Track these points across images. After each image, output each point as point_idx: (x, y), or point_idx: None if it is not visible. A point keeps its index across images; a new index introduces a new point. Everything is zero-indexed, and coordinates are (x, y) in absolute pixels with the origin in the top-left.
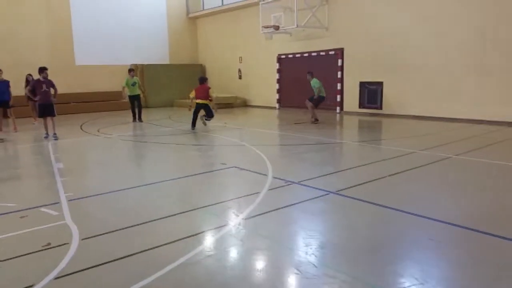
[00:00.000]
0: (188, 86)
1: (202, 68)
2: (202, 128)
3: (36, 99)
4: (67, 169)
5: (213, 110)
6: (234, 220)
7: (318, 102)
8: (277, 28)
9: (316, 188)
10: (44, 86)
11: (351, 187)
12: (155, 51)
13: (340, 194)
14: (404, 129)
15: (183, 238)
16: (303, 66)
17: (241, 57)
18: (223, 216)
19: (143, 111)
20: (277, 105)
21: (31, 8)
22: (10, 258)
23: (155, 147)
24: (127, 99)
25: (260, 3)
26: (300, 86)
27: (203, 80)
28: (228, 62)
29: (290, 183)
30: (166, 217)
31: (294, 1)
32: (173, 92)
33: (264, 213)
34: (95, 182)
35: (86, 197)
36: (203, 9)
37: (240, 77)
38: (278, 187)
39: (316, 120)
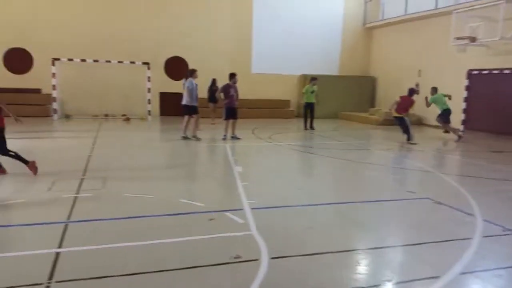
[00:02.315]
0: (354, 99)
1: (372, 81)
2: (376, 146)
3: (224, 102)
4: (246, 174)
5: (409, 130)
6: (449, 273)
7: (444, 116)
8: (473, 40)
9: None
10: (231, 91)
11: None
12: (326, 62)
13: None
14: None
15: (387, 281)
16: (502, 85)
17: (420, 70)
18: (432, 263)
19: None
20: (461, 127)
21: (220, 22)
22: (203, 266)
23: (327, 161)
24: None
25: (454, 12)
26: (495, 108)
27: (412, 92)
28: (403, 76)
29: (511, 232)
30: (356, 250)
31: (497, 9)
32: (339, 104)
33: (489, 270)
34: (272, 191)
35: (267, 207)
36: (382, 19)
37: (417, 93)
38: (495, 235)
39: (459, 137)
